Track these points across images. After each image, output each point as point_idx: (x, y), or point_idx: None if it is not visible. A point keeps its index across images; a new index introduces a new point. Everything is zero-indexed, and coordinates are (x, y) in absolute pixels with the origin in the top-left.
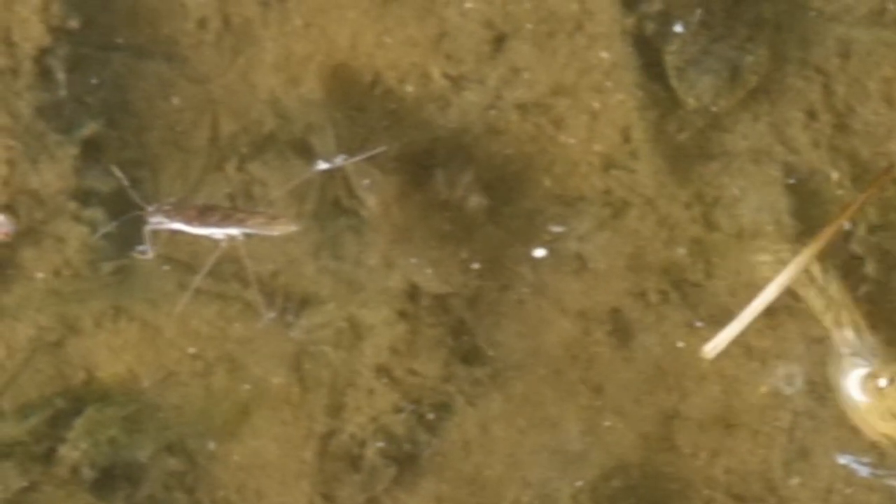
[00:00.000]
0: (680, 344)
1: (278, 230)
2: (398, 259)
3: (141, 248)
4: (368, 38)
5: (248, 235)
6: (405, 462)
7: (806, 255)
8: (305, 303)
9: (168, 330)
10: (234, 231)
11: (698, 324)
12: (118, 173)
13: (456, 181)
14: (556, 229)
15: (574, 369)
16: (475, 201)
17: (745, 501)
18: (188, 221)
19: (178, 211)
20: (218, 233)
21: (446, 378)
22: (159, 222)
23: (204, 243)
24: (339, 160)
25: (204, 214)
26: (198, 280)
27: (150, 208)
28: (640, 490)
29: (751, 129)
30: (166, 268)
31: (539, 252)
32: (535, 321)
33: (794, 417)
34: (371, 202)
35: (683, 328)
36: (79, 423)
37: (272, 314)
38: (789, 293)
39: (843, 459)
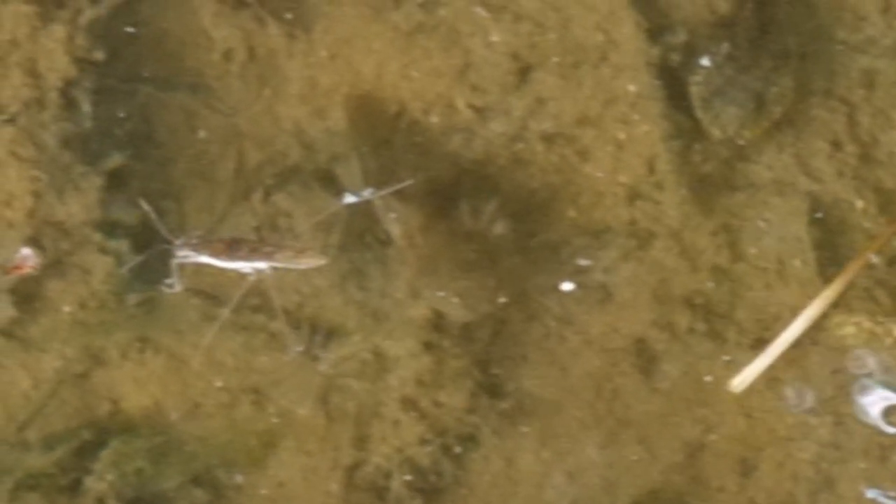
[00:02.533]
0: (705, 375)
1: (307, 263)
2: (424, 289)
3: (168, 281)
4: (393, 70)
5: (275, 269)
6: (431, 494)
7: (834, 287)
8: (331, 334)
9: (194, 361)
10: (262, 265)
11: (724, 356)
12: (146, 206)
13: (480, 210)
14: (582, 262)
15: (599, 401)
16: (500, 229)
17: None
18: (216, 255)
19: (206, 244)
20: (246, 266)
21: (472, 410)
22: (187, 256)
23: (228, 274)
24: (368, 193)
25: (232, 248)
26: (226, 313)
27: (178, 242)
28: None
29: (776, 160)
30: (195, 301)
31: (567, 286)
32: (560, 353)
33: (819, 449)
34: (396, 233)
35: (709, 359)
36: (105, 455)
37: (300, 347)
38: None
39: (870, 493)
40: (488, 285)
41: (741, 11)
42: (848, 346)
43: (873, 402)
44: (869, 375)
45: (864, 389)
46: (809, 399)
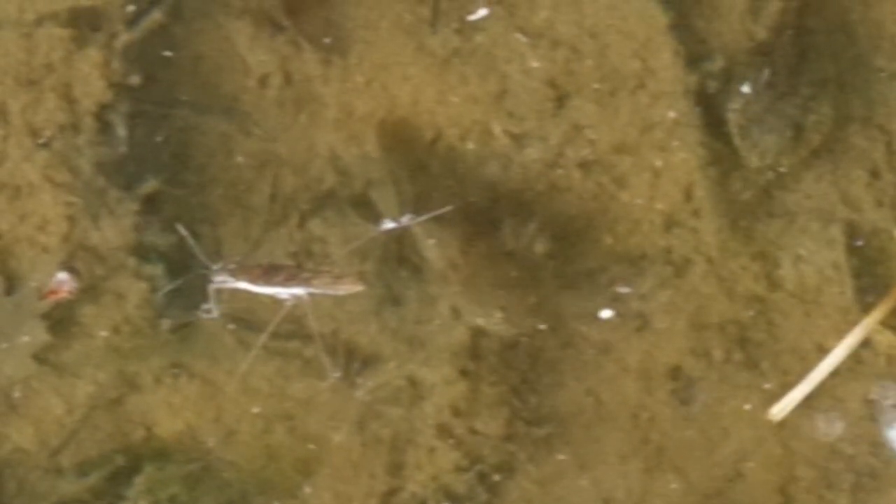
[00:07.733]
0: (742, 404)
1: (344, 290)
2: (465, 309)
3: (206, 306)
4: (430, 96)
5: (313, 295)
6: None
7: (875, 316)
8: (366, 361)
9: (228, 387)
10: (300, 290)
11: (761, 384)
12: (183, 231)
13: (521, 231)
14: (619, 289)
15: (636, 429)
16: (541, 248)
17: None
18: (254, 280)
19: (243, 270)
20: (283, 292)
21: (508, 437)
22: (224, 281)
23: (259, 300)
24: (406, 219)
25: (269, 273)
26: (263, 339)
27: (216, 267)
28: None
29: (814, 189)
30: (231, 326)
31: (604, 313)
32: (596, 380)
33: (856, 478)
34: (435, 257)
35: (745, 388)
36: (139, 481)
37: (338, 373)
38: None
39: None
40: (530, 302)
41: (779, 39)
42: (879, 362)
43: None
44: (894, 407)
45: (891, 422)
46: (839, 427)
